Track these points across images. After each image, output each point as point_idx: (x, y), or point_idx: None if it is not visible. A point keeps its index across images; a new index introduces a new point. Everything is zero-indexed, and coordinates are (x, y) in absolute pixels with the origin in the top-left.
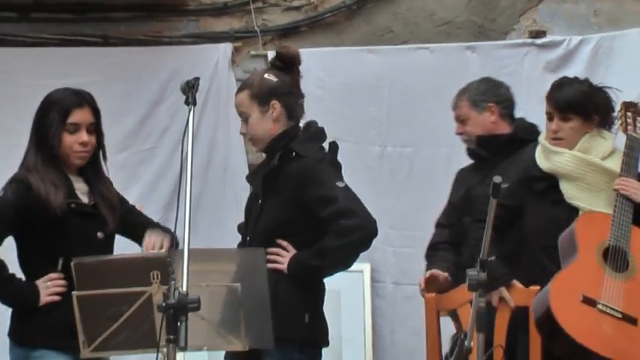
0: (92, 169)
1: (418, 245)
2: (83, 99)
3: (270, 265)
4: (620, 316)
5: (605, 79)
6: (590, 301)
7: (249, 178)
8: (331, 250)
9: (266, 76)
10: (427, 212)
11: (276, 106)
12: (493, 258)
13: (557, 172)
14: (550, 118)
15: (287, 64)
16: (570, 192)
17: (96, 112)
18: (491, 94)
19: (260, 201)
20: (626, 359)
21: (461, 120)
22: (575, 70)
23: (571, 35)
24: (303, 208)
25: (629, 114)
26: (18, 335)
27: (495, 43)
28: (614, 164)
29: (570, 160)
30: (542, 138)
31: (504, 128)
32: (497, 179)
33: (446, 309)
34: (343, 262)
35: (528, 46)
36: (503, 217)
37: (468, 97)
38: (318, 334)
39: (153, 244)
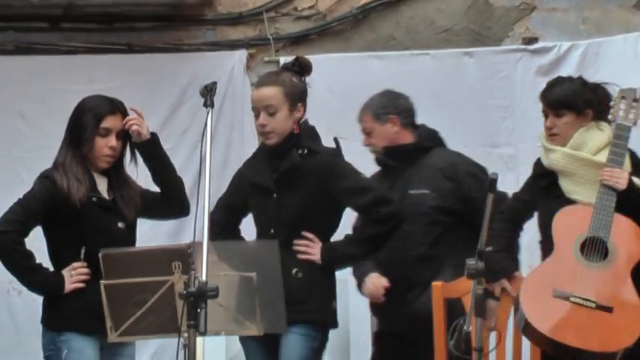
0: (115, 173)
1: None
2: (116, 106)
3: (301, 256)
4: (594, 306)
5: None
6: (562, 295)
7: (252, 175)
8: (374, 237)
9: (294, 79)
10: None
11: (301, 108)
12: (490, 248)
13: (554, 169)
14: (546, 116)
15: (304, 71)
16: (568, 187)
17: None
18: (391, 106)
19: (275, 195)
20: (606, 346)
21: (367, 132)
22: (565, 73)
23: (561, 41)
24: (327, 200)
25: (622, 102)
26: (47, 321)
27: (491, 49)
28: (605, 156)
29: (561, 156)
30: (542, 136)
31: (407, 137)
32: (493, 175)
33: (451, 297)
34: (380, 247)
35: (521, 51)
36: (519, 210)
37: (371, 111)
38: (336, 319)
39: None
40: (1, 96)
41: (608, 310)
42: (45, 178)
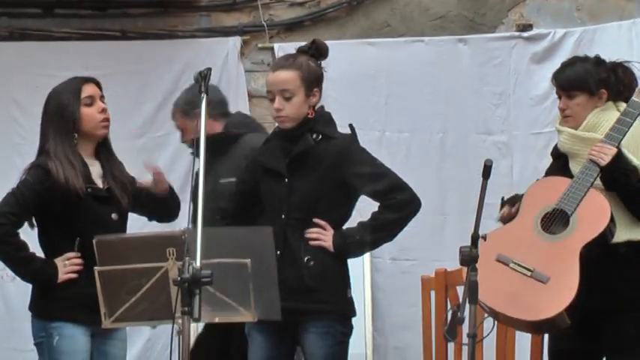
0: (105, 152)
1: (413, 225)
2: (86, 78)
3: (313, 243)
4: (529, 274)
5: None
6: (504, 260)
7: (264, 160)
8: (389, 224)
9: (311, 63)
10: (423, 193)
11: (316, 93)
12: (486, 234)
13: (563, 151)
14: (559, 97)
15: (321, 54)
16: (574, 168)
17: (101, 88)
18: (197, 100)
19: (287, 180)
20: (529, 314)
21: (181, 130)
22: (559, 60)
23: (555, 28)
24: (340, 186)
25: None
26: (37, 309)
27: (485, 36)
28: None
29: (567, 138)
30: (556, 118)
31: (217, 127)
32: (488, 162)
33: (454, 284)
34: (395, 234)
35: (516, 38)
36: None
37: (180, 109)
38: (354, 307)
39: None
40: None
41: (543, 280)
42: (38, 167)
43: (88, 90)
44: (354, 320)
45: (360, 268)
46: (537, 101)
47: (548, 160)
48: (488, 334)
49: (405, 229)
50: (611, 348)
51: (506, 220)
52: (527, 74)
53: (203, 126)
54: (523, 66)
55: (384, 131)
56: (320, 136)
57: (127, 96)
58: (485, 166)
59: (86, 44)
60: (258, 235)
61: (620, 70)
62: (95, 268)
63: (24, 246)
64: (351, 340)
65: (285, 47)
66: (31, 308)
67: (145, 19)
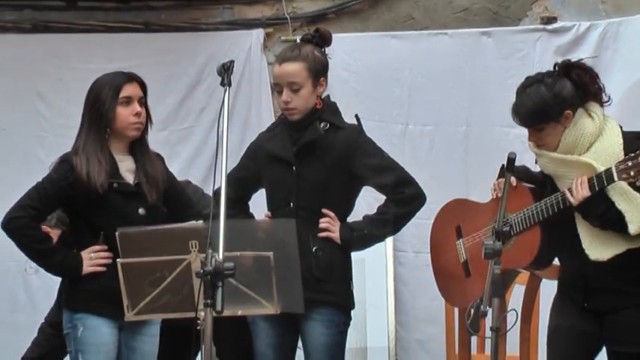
0: (140, 147)
1: None
2: (131, 76)
3: (321, 234)
4: (462, 260)
5: (611, 62)
6: (458, 233)
7: (271, 148)
8: (396, 218)
9: (316, 53)
10: (446, 186)
11: (323, 83)
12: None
13: (548, 173)
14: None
15: (325, 42)
16: (563, 189)
17: (144, 87)
18: None
19: (295, 168)
20: (445, 293)
21: None
22: (583, 53)
23: (580, 21)
24: (347, 176)
25: None
26: (65, 300)
27: (509, 28)
28: (596, 154)
29: (549, 161)
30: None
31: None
32: (511, 154)
33: None
34: (400, 228)
35: (540, 31)
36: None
37: None
38: (354, 300)
39: None
40: (18, 75)
41: (467, 273)
42: (63, 162)
43: (128, 90)
44: (377, 314)
45: (382, 261)
46: None
47: None
48: (511, 328)
49: (430, 222)
50: (611, 336)
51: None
52: (552, 67)
53: (226, 118)
54: (547, 59)
55: (408, 124)
56: (328, 126)
57: (151, 89)
58: (508, 159)
59: (109, 37)
60: (280, 228)
61: (574, 73)
62: (118, 260)
63: (44, 238)
64: (374, 334)
65: None
66: (62, 300)
67: (168, 11)
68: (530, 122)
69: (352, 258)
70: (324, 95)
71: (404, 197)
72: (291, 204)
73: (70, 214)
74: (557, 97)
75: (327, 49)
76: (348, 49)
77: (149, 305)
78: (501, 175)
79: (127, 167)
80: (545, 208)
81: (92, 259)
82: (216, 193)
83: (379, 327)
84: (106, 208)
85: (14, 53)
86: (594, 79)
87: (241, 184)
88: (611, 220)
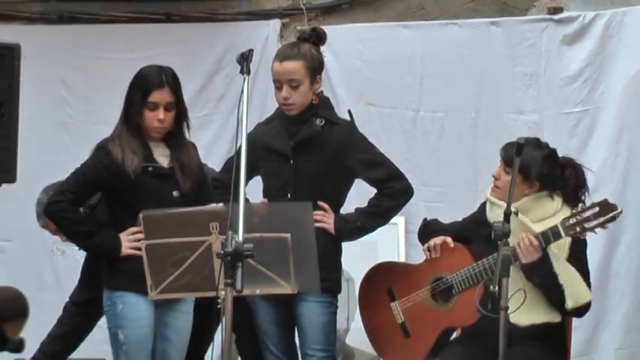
0: (174, 139)
1: (447, 200)
2: (164, 81)
3: (317, 225)
4: (400, 322)
5: (616, 51)
6: (391, 294)
7: (268, 140)
8: (386, 211)
9: (314, 51)
10: (455, 170)
11: (319, 80)
12: (514, 210)
13: (490, 222)
14: (499, 165)
15: (320, 41)
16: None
17: (175, 92)
18: None
19: (292, 162)
20: (383, 353)
21: None
22: (589, 42)
23: (586, 11)
24: (342, 171)
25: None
26: (105, 279)
27: (517, 18)
28: (542, 228)
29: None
30: (488, 191)
31: None
32: (520, 140)
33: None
34: (389, 220)
35: (547, 21)
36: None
37: None
38: (341, 285)
39: None
40: (44, 64)
41: (407, 334)
42: (100, 149)
43: (155, 96)
44: None
45: (395, 243)
46: (567, 82)
47: (578, 139)
48: (518, 308)
49: (440, 205)
50: None
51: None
52: (558, 55)
53: (245, 105)
54: (554, 47)
55: (419, 111)
56: (323, 122)
57: None
58: (517, 144)
59: (132, 27)
60: (298, 211)
61: (569, 169)
62: (142, 241)
63: (83, 221)
64: None
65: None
66: (102, 279)
67: (188, 3)
68: (509, 162)
69: (366, 240)
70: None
71: (394, 191)
72: (289, 195)
73: (108, 197)
74: (543, 168)
75: (337, 49)
76: (361, 38)
77: (171, 284)
78: (506, 161)
79: (161, 152)
80: (489, 266)
81: (130, 240)
82: (214, 179)
83: None
84: (142, 191)
85: (40, 43)
86: (580, 185)
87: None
88: (552, 284)
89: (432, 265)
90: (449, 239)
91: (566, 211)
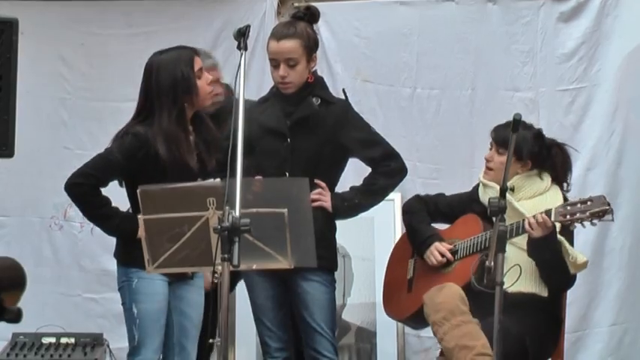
0: (199, 117)
1: (443, 177)
2: (191, 49)
3: (315, 204)
4: (409, 277)
5: (612, 29)
6: (412, 252)
7: (264, 119)
8: (382, 189)
9: (309, 30)
10: (452, 147)
11: (315, 58)
12: (513, 185)
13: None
14: (490, 147)
15: (314, 20)
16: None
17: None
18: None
19: (289, 140)
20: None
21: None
22: (585, 20)
23: None
24: (338, 149)
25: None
26: (120, 256)
27: None
28: (535, 207)
29: (492, 194)
30: (481, 174)
31: None
32: (517, 116)
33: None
34: (384, 198)
35: None
36: (441, 211)
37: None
38: (337, 263)
39: None
40: (42, 40)
41: (409, 288)
42: (135, 137)
43: (198, 62)
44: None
45: (391, 220)
46: (564, 59)
47: (574, 116)
48: (513, 284)
49: (437, 182)
50: None
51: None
52: (554, 33)
53: (242, 81)
54: (550, 25)
55: (416, 88)
56: (319, 101)
57: None
58: (514, 120)
59: (129, 3)
60: (294, 186)
61: (554, 149)
62: (139, 216)
63: (104, 203)
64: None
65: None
66: (115, 256)
67: None
68: (502, 142)
69: (363, 216)
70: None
71: (390, 170)
72: (286, 173)
73: (131, 183)
74: (534, 147)
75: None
76: (358, 15)
77: (169, 259)
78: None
79: (192, 139)
80: (486, 238)
81: None
82: None
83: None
84: (168, 179)
85: (38, 19)
86: (565, 166)
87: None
88: (559, 261)
89: (452, 231)
90: (445, 251)
91: (556, 190)
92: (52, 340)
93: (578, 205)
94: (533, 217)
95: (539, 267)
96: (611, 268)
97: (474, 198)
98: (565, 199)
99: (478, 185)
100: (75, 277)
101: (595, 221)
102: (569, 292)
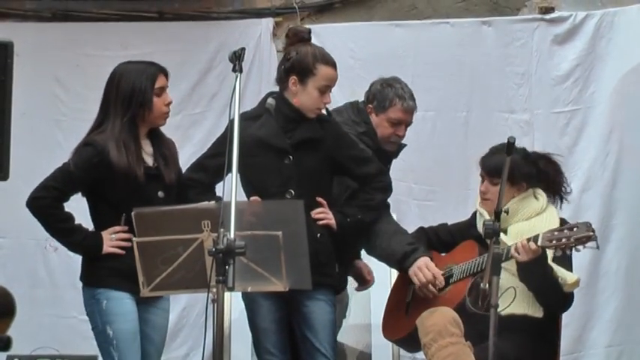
0: (155, 132)
1: (438, 199)
2: (160, 67)
3: (321, 222)
4: (407, 300)
5: (606, 51)
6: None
7: (263, 134)
8: (379, 204)
9: None
10: (447, 169)
11: None
12: (507, 208)
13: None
14: (482, 180)
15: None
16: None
17: (168, 79)
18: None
19: (292, 158)
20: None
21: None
22: (580, 42)
23: (577, 11)
24: (334, 165)
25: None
26: (85, 277)
27: (508, 18)
28: (534, 228)
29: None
30: (477, 202)
31: None
32: (511, 139)
33: None
34: (378, 214)
35: (538, 21)
36: (443, 240)
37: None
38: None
39: None
40: (38, 61)
41: (405, 310)
42: (89, 146)
43: (161, 81)
44: (381, 291)
45: None
46: (558, 81)
47: (569, 138)
48: (509, 305)
49: (432, 203)
50: None
51: None
52: (549, 55)
53: (237, 103)
54: (545, 47)
55: None
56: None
57: None
58: (508, 142)
59: (125, 25)
60: (289, 208)
61: (542, 162)
62: (134, 239)
63: (66, 218)
64: (378, 310)
65: (316, 29)
66: (81, 278)
67: (182, 1)
68: (494, 172)
69: None
70: None
71: (384, 185)
72: (292, 191)
73: (92, 196)
74: (524, 168)
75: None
76: (354, 37)
77: (164, 282)
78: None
79: (147, 151)
80: (481, 262)
81: (113, 239)
82: (190, 178)
83: (383, 304)
84: (130, 191)
85: (34, 40)
86: (557, 174)
87: (219, 172)
88: (550, 283)
89: (450, 257)
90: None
91: (552, 210)
92: None
93: (565, 231)
94: (520, 242)
95: (532, 291)
96: (606, 289)
97: (472, 224)
98: (561, 219)
99: (476, 212)
100: (70, 299)
101: (579, 247)
102: (565, 313)
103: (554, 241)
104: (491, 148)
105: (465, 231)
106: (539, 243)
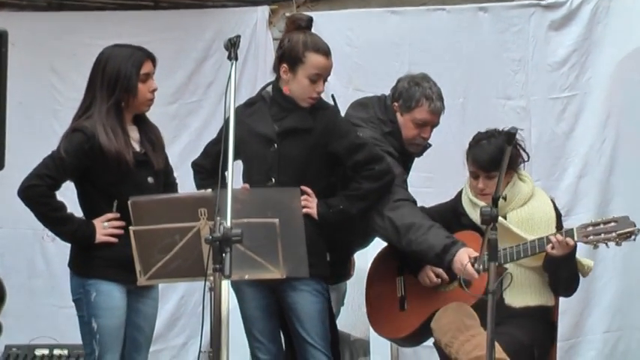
0: (141, 117)
1: (436, 185)
2: (147, 52)
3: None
4: (399, 295)
5: (602, 37)
6: (400, 270)
7: (252, 122)
8: (366, 193)
9: None
10: (444, 156)
11: None
12: (505, 195)
13: (479, 225)
14: (475, 177)
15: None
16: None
17: (155, 65)
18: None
19: (276, 146)
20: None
21: None
22: (576, 28)
23: None
24: (326, 154)
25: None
26: (76, 266)
27: (505, 4)
28: (532, 212)
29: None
30: (468, 189)
31: None
32: (512, 129)
33: None
34: (372, 203)
35: (534, 6)
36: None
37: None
38: (328, 270)
39: None
40: (34, 51)
41: (403, 307)
42: (78, 132)
43: (147, 67)
44: None
45: None
46: (555, 67)
47: (566, 124)
48: (505, 288)
49: (429, 190)
50: None
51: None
52: (546, 41)
53: (233, 91)
54: (541, 33)
55: None
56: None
57: (160, 63)
58: (509, 133)
59: (121, 14)
60: (286, 196)
61: (516, 142)
62: (130, 227)
63: (60, 207)
64: None
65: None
66: (70, 265)
67: None
68: (489, 167)
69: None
70: None
71: (374, 173)
72: (273, 179)
73: (82, 182)
74: (512, 153)
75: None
76: (350, 24)
77: (160, 271)
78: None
79: (134, 137)
80: (520, 250)
81: (105, 227)
82: (196, 164)
83: None
84: (121, 177)
85: (30, 30)
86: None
87: (219, 157)
88: (573, 273)
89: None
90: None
91: (541, 193)
92: (45, 351)
93: (602, 226)
94: (555, 236)
95: (552, 279)
96: (604, 275)
97: (459, 211)
98: (551, 200)
99: (460, 196)
100: (68, 289)
101: (621, 242)
102: (562, 300)
103: (591, 236)
104: (470, 143)
105: (449, 215)
106: (575, 238)
